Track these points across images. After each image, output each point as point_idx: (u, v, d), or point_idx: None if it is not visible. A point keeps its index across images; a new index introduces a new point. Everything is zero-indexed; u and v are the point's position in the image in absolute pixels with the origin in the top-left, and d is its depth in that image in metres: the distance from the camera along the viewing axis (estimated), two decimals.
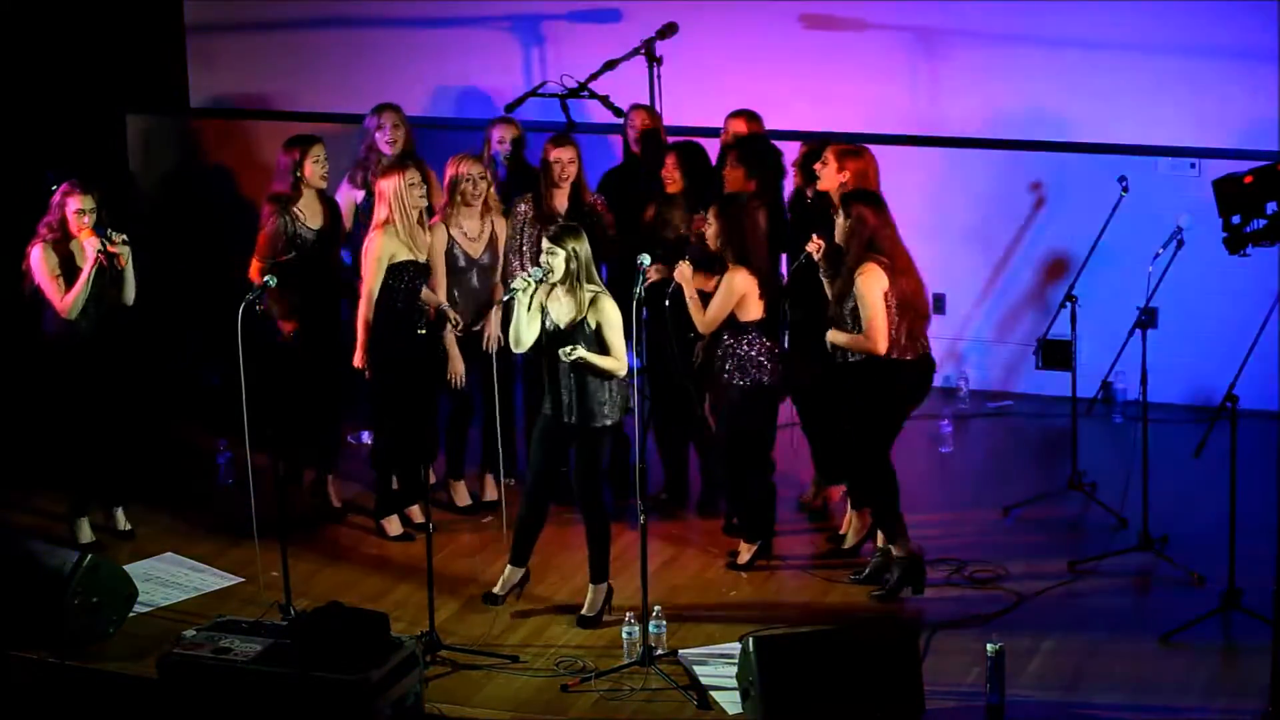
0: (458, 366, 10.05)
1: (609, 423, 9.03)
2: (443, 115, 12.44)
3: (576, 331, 8.87)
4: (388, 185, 9.67)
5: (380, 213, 9.71)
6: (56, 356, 9.86)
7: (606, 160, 11.01)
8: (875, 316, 9.03)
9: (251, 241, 10.13)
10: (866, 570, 9.53)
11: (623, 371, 8.93)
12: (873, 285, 9.04)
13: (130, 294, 9.85)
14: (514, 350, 9.01)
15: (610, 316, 8.90)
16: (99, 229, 9.64)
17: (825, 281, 9.32)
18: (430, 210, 9.96)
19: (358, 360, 9.76)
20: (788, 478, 10.41)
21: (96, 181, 9.86)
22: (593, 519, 9.15)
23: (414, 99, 12.05)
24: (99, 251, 9.60)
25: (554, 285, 8.89)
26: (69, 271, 9.71)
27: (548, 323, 8.92)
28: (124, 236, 9.73)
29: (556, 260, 8.81)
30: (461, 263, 10.00)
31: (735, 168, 9.96)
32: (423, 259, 9.75)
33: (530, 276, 8.83)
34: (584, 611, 9.17)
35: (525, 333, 8.90)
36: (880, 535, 9.46)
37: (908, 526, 9.43)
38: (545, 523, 9.31)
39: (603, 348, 8.89)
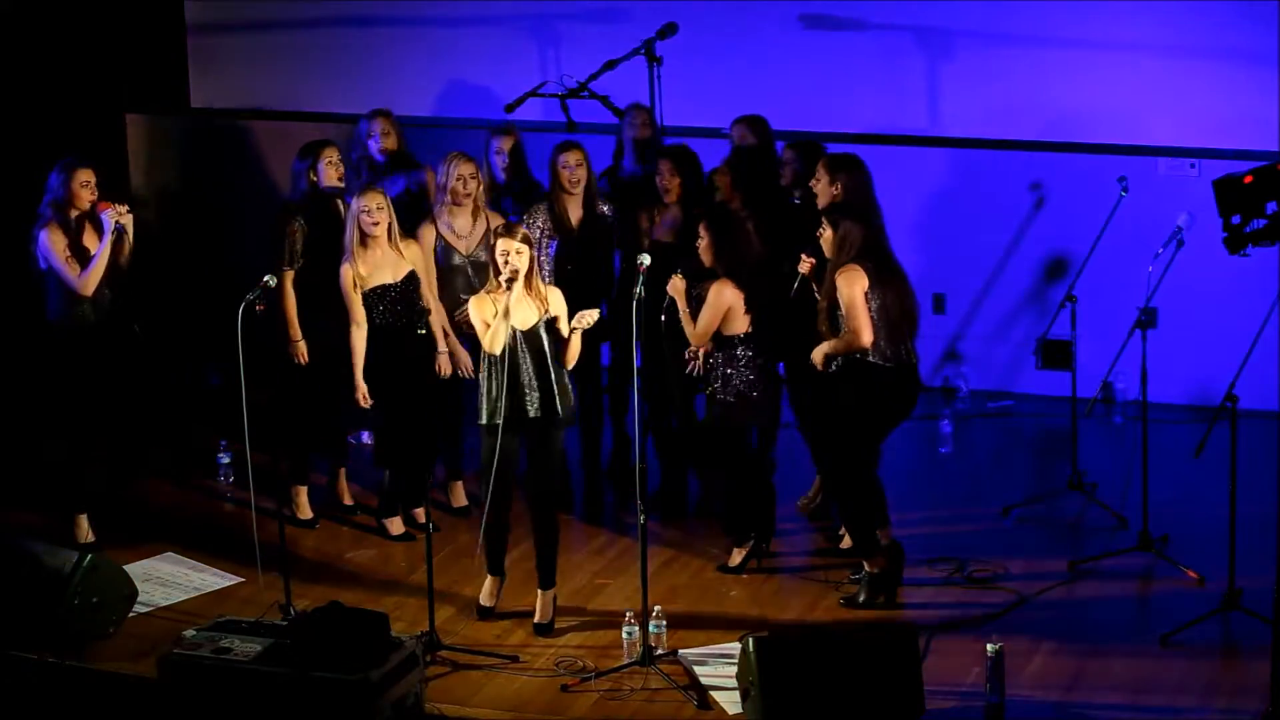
0: (463, 360, 10.02)
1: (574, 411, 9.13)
2: (443, 115, 12.43)
3: (542, 325, 8.90)
4: (352, 209, 9.69)
5: (346, 240, 9.73)
6: (60, 346, 9.87)
7: (606, 160, 11.00)
8: (857, 312, 9.00)
9: (252, 241, 10.13)
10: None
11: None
12: (851, 282, 9.01)
13: (124, 259, 9.87)
14: (493, 350, 8.87)
15: (562, 306, 8.97)
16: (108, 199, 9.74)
17: (819, 297, 9.26)
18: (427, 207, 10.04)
19: (360, 396, 9.76)
20: (789, 478, 10.41)
21: (90, 158, 9.91)
22: (556, 516, 9.18)
23: (414, 99, 12.06)
24: (115, 221, 9.63)
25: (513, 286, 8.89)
26: (78, 250, 9.74)
27: (514, 324, 8.89)
28: (126, 206, 9.78)
29: (524, 259, 8.84)
30: (456, 260, 10.02)
31: (724, 175, 10.02)
32: (392, 280, 9.72)
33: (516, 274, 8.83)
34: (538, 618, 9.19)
35: (505, 332, 8.88)
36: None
37: (907, 526, 9.43)
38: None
39: (560, 335, 8.96)
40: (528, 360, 8.91)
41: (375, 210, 9.62)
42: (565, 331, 8.92)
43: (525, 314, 8.90)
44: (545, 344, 8.92)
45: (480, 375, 9.01)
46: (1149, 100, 11.41)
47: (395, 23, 12.59)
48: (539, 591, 9.17)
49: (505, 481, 9.02)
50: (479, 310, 8.92)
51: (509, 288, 8.79)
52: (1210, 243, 8.82)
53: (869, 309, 9.00)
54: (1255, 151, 11.01)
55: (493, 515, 9.12)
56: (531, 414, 8.93)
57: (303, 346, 10.03)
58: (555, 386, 8.95)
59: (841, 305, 9.03)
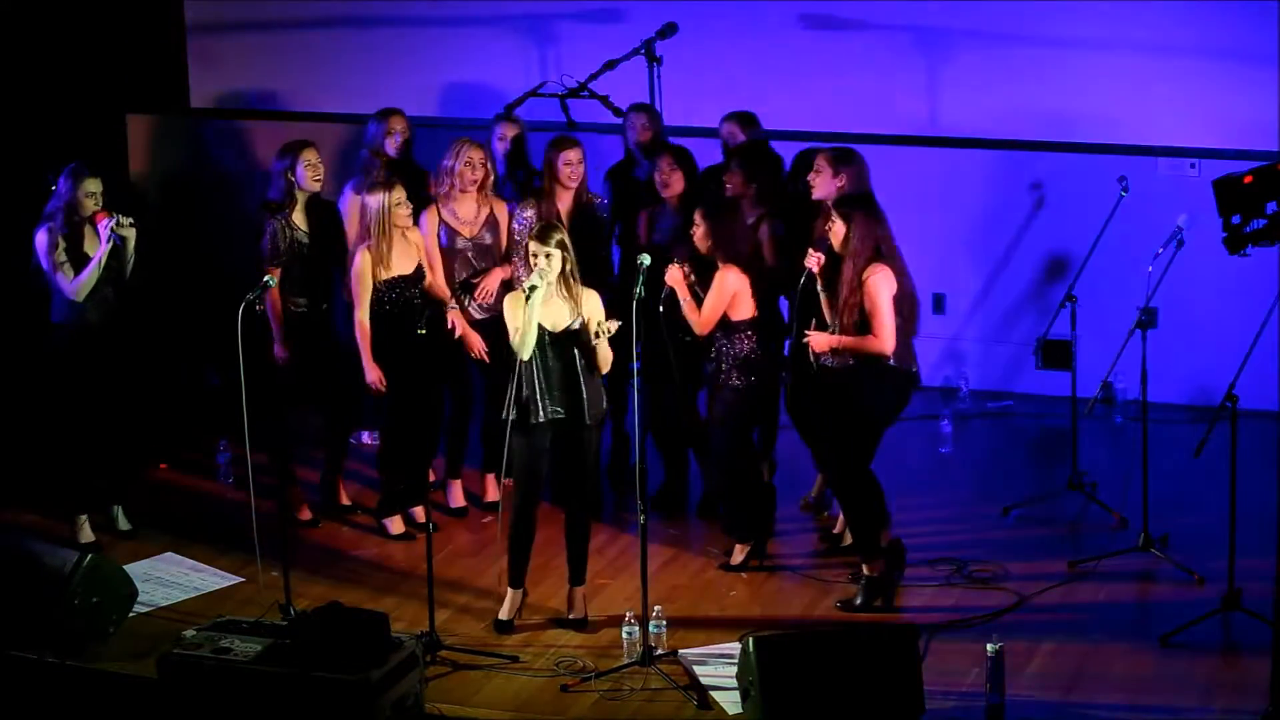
0: (476, 344, 10.01)
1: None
2: (443, 115, 12.44)
3: (575, 327, 8.86)
4: (372, 202, 9.71)
5: (362, 230, 9.78)
6: (63, 347, 9.88)
7: (606, 160, 11.00)
8: (885, 318, 9.00)
9: (251, 241, 10.14)
10: None
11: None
12: (883, 286, 9.01)
13: (128, 270, 9.88)
14: (521, 355, 8.89)
15: (598, 308, 8.92)
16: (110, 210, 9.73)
17: (823, 297, 9.24)
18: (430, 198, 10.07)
19: (370, 378, 9.77)
20: (789, 478, 10.41)
21: (99, 169, 9.92)
22: (587, 515, 9.17)
23: (414, 99, 12.03)
24: (112, 231, 9.65)
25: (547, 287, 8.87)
26: (75, 256, 9.75)
27: (544, 326, 8.88)
28: (131, 219, 9.80)
29: (553, 261, 8.80)
30: (459, 244, 10.03)
31: (734, 173, 9.97)
32: (409, 270, 9.76)
33: (541, 279, 8.80)
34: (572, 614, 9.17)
35: (531, 337, 8.88)
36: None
37: (907, 526, 9.42)
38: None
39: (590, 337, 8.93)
40: (557, 362, 8.90)
41: (406, 202, 9.73)
42: (592, 337, 8.87)
43: (557, 315, 8.88)
44: (575, 346, 8.90)
45: (514, 372, 8.96)
46: (1149, 100, 11.41)
47: (395, 23, 12.59)
48: (571, 588, 9.19)
49: (534, 482, 9.00)
50: (513, 311, 8.89)
51: (529, 296, 8.76)
52: (1210, 243, 8.82)
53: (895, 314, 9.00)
54: (1255, 151, 11.01)
55: (519, 518, 9.08)
56: (558, 415, 8.91)
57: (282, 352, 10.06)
58: (584, 389, 8.93)
59: (868, 307, 9.01)
